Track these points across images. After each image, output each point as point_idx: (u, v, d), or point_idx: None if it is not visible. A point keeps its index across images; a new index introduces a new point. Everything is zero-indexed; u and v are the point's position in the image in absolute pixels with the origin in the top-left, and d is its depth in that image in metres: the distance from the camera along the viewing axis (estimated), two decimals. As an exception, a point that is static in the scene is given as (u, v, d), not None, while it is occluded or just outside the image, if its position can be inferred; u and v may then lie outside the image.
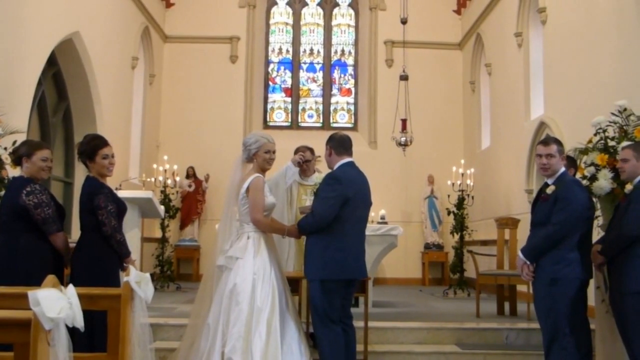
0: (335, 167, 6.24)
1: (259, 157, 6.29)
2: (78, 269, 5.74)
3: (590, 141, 7.34)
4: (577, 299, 5.84)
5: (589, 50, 10.05)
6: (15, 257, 5.53)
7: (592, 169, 7.08)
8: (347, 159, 6.26)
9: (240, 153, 6.41)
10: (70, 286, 3.52)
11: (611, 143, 7.11)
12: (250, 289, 5.95)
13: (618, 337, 6.45)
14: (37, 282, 3.46)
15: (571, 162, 7.12)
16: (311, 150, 7.87)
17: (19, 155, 5.80)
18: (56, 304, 3.27)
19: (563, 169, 6.10)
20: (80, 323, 3.43)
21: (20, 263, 5.49)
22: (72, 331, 3.46)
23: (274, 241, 6.53)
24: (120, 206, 5.93)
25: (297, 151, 7.85)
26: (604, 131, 7.19)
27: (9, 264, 5.51)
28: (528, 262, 6.00)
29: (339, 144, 6.30)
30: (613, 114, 7.22)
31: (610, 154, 7.01)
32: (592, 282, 6.92)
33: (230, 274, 6.05)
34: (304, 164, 7.74)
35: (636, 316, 5.99)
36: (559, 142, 6.27)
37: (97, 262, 5.70)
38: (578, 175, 7.02)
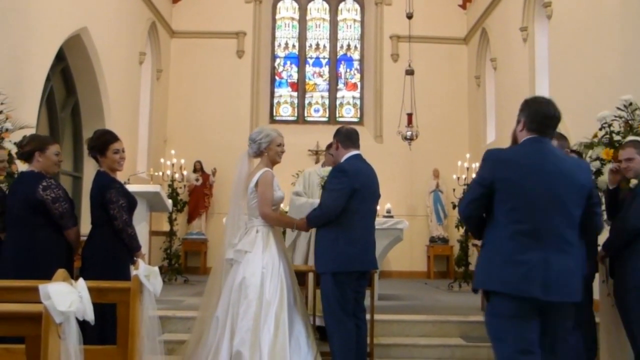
0: (342, 159, 6.27)
1: (271, 151, 6.34)
2: (89, 262, 5.77)
3: (595, 135, 7.36)
4: None
5: (594, 44, 10.06)
6: (35, 252, 5.55)
7: (597, 163, 7.10)
8: (353, 152, 6.24)
9: (246, 148, 6.45)
10: (81, 280, 3.55)
11: (616, 137, 7.13)
12: (259, 282, 5.98)
13: (622, 331, 6.47)
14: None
15: (577, 156, 7.10)
16: None
17: (31, 150, 5.78)
18: (67, 297, 3.29)
19: None
20: (90, 316, 3.45)
21: (40, 257, 5.52)
22: (82, 324, 3.49)
23: (281, 235, 6.58)
24: (130, 200, 5.95)
25: (330, 146, 7.85)
26: (609, 126, 7.22)
27: (28, 259, 5.52)
28: None
29: (346, 137, 6.30)
30: (618, 108, 7.24)
31: (615, 148, 7.01)
32: (597, 276, 6.97)
33: (239, 268, 6.09)
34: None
35: (641, 309, 6.04)
36: (559, 137, 6.18)
37: (107, 256, 5.72)
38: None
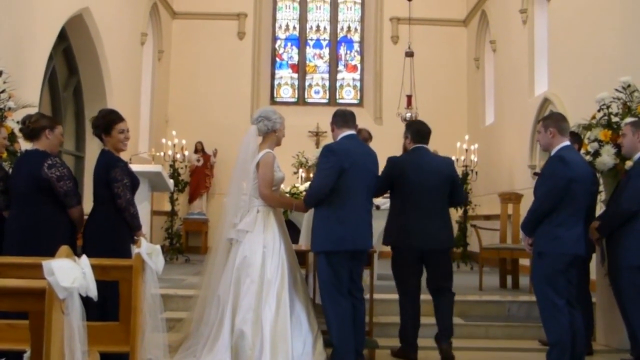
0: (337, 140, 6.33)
1: (280, 133, 6.45)
2: (91, 240, 5.78)
3: (593, 117, 7.39)
4: (568, 273, 5.72)
5: (593, 26, 10.08)
6: (38, 229, 5.56)
7: (595, 144, 7.14)
8: (347, 132, 6.28)
9: (253, 126, 6.44)
10: (84, 256, 3.55)
11: (615, 119, 7.17)
12: (260, 262, 6.05)
13: (618, 310, 6.56)
14: (58, 254, 3.52)
15: (575, 138, 7.08)
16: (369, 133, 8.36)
17: (42, 126, 5.75)
18: (70, 273, 3.27)
19: (564, 144, 5.83)
20: (93, 293, 3.45)
21: (44, 235, 5.52)
22: (85, 301, 3.53)
23: (282, 215, 6.63)
24: (133, 180, 5.94)
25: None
26: (608, 107, 7.25)
27: (33, 236, 5.53)
28: (526, 236, 6.05)
29: (340, 118, 6.35)
30: (617, 90, 7.26)
31: (613, 130, 7.06)
32: (594, 257, 7.04)
33: (240, 247, 6.14)
34: None
35: (632, 289, 6.09)
36: (549, 118, 6.05)
37: (109, 234, 5.74)
38: (582, 151, 7.05)
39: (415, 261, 6.62)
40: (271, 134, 6.42)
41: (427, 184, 6.55)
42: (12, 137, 6.95)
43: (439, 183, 6.64)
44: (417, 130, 6.92)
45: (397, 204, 6.68)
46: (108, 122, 5.94)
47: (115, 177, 5.76)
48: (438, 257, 6.68)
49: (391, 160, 6.76)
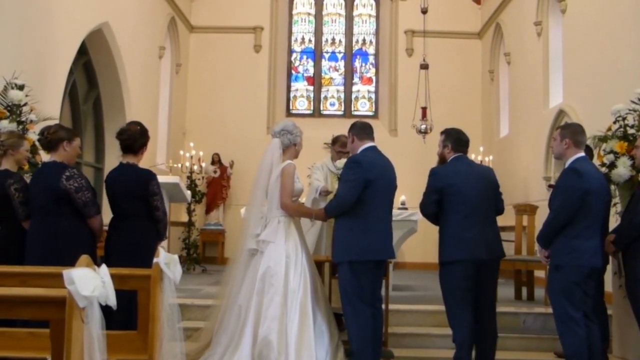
0: (358, 151, 6.36)
1: (299, 146, 6.60)
2: (120, 252, 5.88)
3: (609, 129, 7.37)
4: (585, 285, 5.77)
5: (608, 38, 10.08)
6: (59, 240, 5.63)
7: (611, 156, 7.12)
8: (369, 144, 6.34)
9: (277, 140, 6.55)
10: (103, 265, 3.61)
11: (631, 131, 7.15)
12: (284, 271, 6.12)
13: (634, 322, 6.51)
14: (80, 263, 3.56)
15: (586, 150, 7.06)
16: None
17: (60, 138, 5.84)
18: (90, 282, 3.33)
19: (578, 155, 5.93)
20: (112, 302, 3.50)
21: (64, 245, 5.59)
22: (105, 310, 3.58)
23: (301, 225, 6.69)
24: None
25: (335, 141, 8.09)
26: (624, 119, 7.23)
27: (53, 246, 5.60)
28: (542, 248, 6.08)
29: (361, 129, 6.41)
30: (633, 101, 7.24)
31: (629, 141, 7.04)
32: (609, 269, 7.02)
33: (262, 258, 6.23)
34: (345, 154, 7.91)
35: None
36: (567, 128, 6.15)
37: (139, 245, 5.84)
38: (597, 163, 7.04)
39: (472, 275, 6.05)
40: (291, 147, 6.54)
41: (478, 193, 6.17)
42: (33, 149, 7.04)
43: (488, 191, 6.30)
44: (458, 139, 6.45)
45: (450, 216, 6.17)
46: (147, 137, 6.10)
47: (154, 191, 5.89)
48: (490, 270, 6.26)
49: (437, 172, 6.35)
